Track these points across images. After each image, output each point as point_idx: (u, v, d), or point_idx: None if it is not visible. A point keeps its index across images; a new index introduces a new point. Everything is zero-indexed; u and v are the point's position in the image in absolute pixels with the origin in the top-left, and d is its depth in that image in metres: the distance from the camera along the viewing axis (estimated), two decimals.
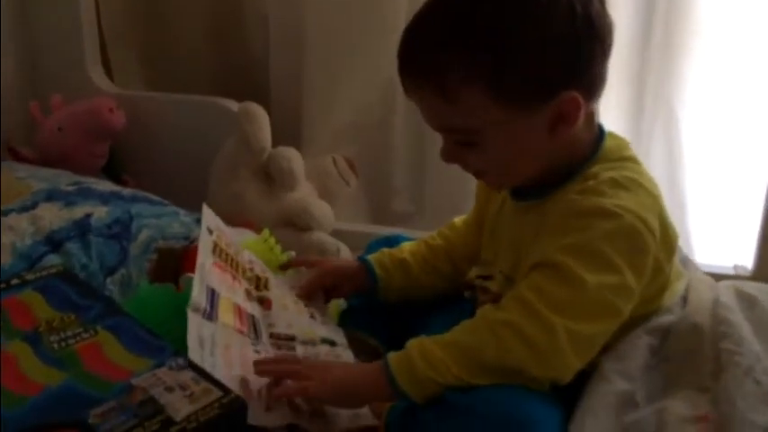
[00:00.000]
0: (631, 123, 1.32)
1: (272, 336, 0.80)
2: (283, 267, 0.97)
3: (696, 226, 1.32)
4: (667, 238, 0.73)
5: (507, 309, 0.67)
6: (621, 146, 0.77)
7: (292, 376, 0.69)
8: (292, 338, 0.81)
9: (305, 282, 0.93)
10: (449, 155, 0.74)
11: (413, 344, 0.68)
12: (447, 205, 1.49)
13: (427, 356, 0.66)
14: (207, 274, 0.76)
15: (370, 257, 0.93)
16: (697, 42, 1.26)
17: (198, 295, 0.72)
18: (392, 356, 0.68)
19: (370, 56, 1.39)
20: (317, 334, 0.84)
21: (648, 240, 0.68)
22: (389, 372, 0.66)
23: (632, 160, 0.75)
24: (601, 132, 0.76)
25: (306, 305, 0.89)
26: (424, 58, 0.70)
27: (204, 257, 0.77)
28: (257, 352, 0.74)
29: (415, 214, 1.56)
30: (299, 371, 0.69)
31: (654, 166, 1.33)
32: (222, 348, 0.69)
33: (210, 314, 0.72)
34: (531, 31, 0.67)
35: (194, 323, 0.69)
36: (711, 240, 1.31)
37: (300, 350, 0.80)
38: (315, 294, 0.93)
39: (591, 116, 0.74)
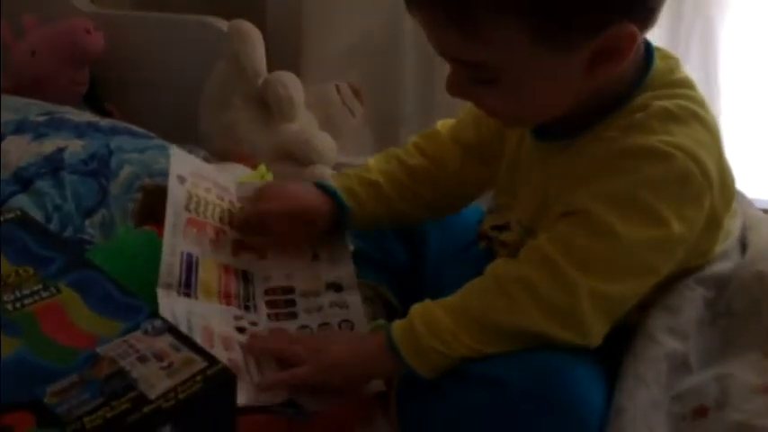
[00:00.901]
0: (666, 34, 1.22)
1: (267, 292, 0.72)
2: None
3: (738, 156, 1.22)
4: (726, 185, 0.64)
5: (523, 262, 0.60)
6: (672, 66, 0.65)
7: (284, 358, 0.63)
8: (291, 290, 0.73)
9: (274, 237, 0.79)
10: (458, 89, 0.63)
11: (416, 310, 0.62)
12: None
13: (431, 325, 0.60)
14: (179, 237, 0.67)
15: (336, 184, 0.79)
16: None
17: (168, 268, 0.64)
18: (396, 326, 0.62)
19: None
20: (321, 279, 0.75)
21: (704, 186, 0.59)
22: (393, 344, 0.60)
23: (687, 84, 0.64)
24: (648, 52, 0.64)
25: None
26: None
27: (174, 217, 0.68)
28: (241, 329, 0.67)
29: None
30: (292, 352, 0.63)
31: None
32: (200, 330, 0.61)
33: (188, 286, 0.65)
34: None
35: (166, 303, 0.61)
36: (755, 170, 1.21)
37: (301, 304, 0.72)
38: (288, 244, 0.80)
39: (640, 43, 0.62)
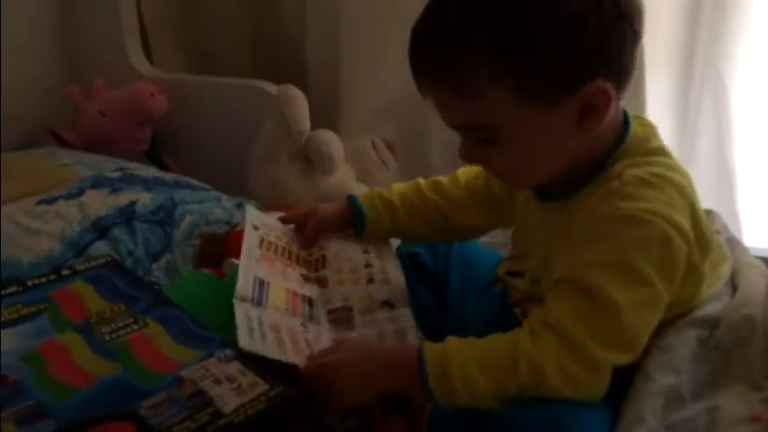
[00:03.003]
0: (680, 95, 1.28)
1: (329, 312, 0.81)
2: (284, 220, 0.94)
3: (746, 205, 1.27)
4: (702, 236, 0.69)
5: (546, 341, 0.63)
6: (648, 135, 0.71)
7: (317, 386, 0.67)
8: (350, 309, 0.81)
9: (303, 237, 0.91)
10: (468, 153, 0.70)
11: (452, 352, 0.65)
12: None
13: (465, 374, 0.64)
14: (252, 266, 0.77)
15: (360, 196, 0.91)
16: (750, 9, 1.21)
17: (243, 286, 0.73)
18: (429, 354, 0.65)
19: (407, 37, 1.36)
20: (375, 298, 0.84)
21: (680, 245, 0.65)
22: (423, 364, 0.65)
23: (660, 152, 0.70)
24: (626, 121, 0.71)
25: (365, 266, 0.87)
26: (440, 56, 0.65)
27: (249, 252, 0.78)
28: (306, 330, 0.75)
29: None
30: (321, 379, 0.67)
31: (702, 142, 1.30)
32: (270, 329, 0.70)
33: (260, 300, 0.73)
34: (553, 21, 0.62)
35: (241, 310, 0.70)
36: (762, 221, 1.26)
37: (359, 319, 0.80)
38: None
39: (618, 104, 0.69)
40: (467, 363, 0.64)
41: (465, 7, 0.64)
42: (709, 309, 0.73)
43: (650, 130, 0.72)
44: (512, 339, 0.65)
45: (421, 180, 0.92)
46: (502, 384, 0.63)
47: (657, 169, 0.67)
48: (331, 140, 1.31)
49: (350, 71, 1.43)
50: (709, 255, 0.72)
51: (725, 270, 0.76)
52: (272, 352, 0.66)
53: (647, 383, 0.67)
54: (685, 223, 0.65)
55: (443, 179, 0.92)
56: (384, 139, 1.41)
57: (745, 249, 0.85)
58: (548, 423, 0.62)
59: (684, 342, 0.70)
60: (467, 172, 0.91)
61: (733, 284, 0.77)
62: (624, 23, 0.65)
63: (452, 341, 0.66)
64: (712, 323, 0.72)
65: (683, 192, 0.67)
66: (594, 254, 0.64)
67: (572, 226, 0.68)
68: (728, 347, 0.70)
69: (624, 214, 0.64)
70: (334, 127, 1.38)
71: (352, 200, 0.91)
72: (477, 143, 0.69)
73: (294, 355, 0.68)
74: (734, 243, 0.85)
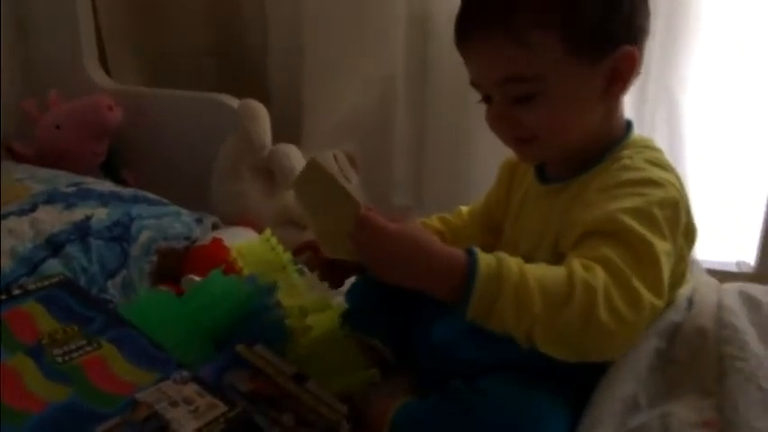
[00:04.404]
0: (633, 113, 1.29)
1: None
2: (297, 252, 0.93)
3: (698, 221, 1.31)
4: (690, 231, 0.74)
5: (598, 272, 0.62)
6: (646, 139, 0.78)
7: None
8: None
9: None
10: (498, 115, 0.74)
11: (508, 261, 0.63)
12: (445, 199, 1.50)
13: (520, 287, 0.61)
14: None
15: None
16: (699, 31, 1.25)
17: None
18: (483, 261, 0.62)
19: (370, 52, 1.39)
20: None
21: (683, 216, 0.70)
22: (473, 276, 0.62)
23: (659, 151, 0.76)
24: (629, 126, 0.78)
25: None
26: (494, 3, 0.70)
27: None
28: None
29: (413, 208, 1.56)
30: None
31: None
32: None
33: None
34: None
35: None
36: (713, 236, 1.29)
37: None
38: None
39: (620, 104, 0.76)
40: (525, 280, 0.62)
41: None
42: (669, 319, 0.74)
43: (648, 139, 0.78)
44: (566, 267, 0.63)
45: (425, 218, 0.97)
46: (554, 308, 0.61)
47: (662, 158, 0.74)
48: (293, 154, 1.31)
49: (312, 86, 1.44)
50: (690, 254, 0.76)
51: (686, 290, 0.78)
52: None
53: (608, 388, 0.69)
54: (687, 204, 0.71)
55: (448, 214, 0.96)
56: (346, 153, 1.41)
57: (701, 268, 0.88)
58: (511, 422, 0.64)
59: (645, 353, 0.72)
60: (469, 207, 0.97)
61: (690, 302, 0.79)
62: (647, 7, 0.73)
63: (506, 256, 0.64)
64: (670, 336, 0.74)
65: (681, 184, 0.72)
66: (625, 204, 0.66)
67: (589, 190, 0.71)
68: (683, 359, 0.72)
69: (646, 177, 0.69)
70: (296, 141, 1.38)
71: None
72: (510, 103, 0.72)
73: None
74: (692, 262, 0.88)
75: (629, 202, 0.66)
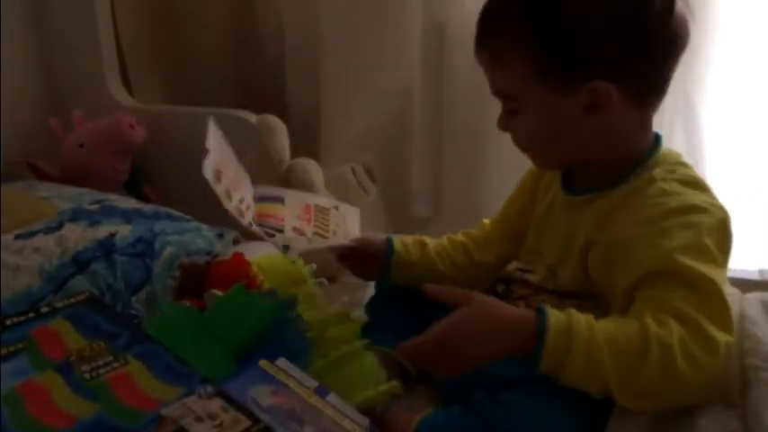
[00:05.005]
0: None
1: None
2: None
3: None
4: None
5: (671, 325, 0.64)
6: (675, 154, 0.79)
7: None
8: None
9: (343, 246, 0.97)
10: (501, 122, 0.79)
11: (578, 324, 0.64)
12: (463, 210, 1.51)
13: (591, 352, 0.63)
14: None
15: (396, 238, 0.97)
16: (718, 40, 1.25)
17: None
18: (552, 317, 0.64)
19: (387, 66, 1.40)
20: None
21: (731, 233, 0.71)
22: (543, 330, 0.64)
23: (690, 168, 0.77)
24: (657, 139, 0.78)
25: None
26: (488, 20, 0.75)
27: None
28: None
29: (432, 219, 1.57)
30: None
31: None
32: None
33: None
34: (582, 11, 0.69)
35: None
36: (735, 244, 1.28)
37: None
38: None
39: (645, 120, 0.76)
40: (595, 339, 0.63)
41: None
42: None
43: (677, 153, 0.79)
44: (640, 323, 0.64)
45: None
46: (627, 371, 0.62)
47: (695, 175, 0.75)
48: (311, 167, 1.33)
49: (330, 100, 1.46)
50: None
51: None
52: None
53: None
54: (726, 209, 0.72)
55: (472, 229, 1.00)
56: (363, 166, 1.43)
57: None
58: (524, 415, 0.66)
59: None
60: (491, 218, 1.00)
61: None
62: (656, 39, 0.70)
63: (575, 312, 0.65)
64: None
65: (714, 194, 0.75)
66: (677, 241, 0.67)
67: (629, 226, 0.71)
68: None
69: (690, 203, 0.69)
70: (314, 155, 1.40)
71: (388, 237, 0.97)
72: (507, 113, 0.78)
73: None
74: None
75: (682, 239, 0.67)
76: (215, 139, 0.86)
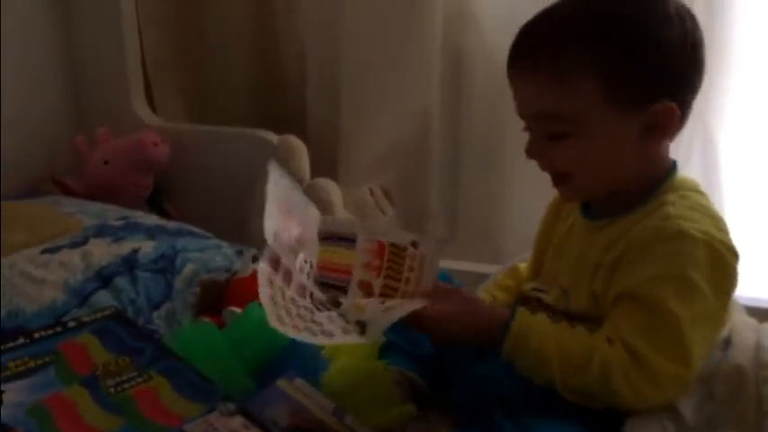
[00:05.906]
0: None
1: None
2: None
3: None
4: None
5: (617, 350, 0.68)
6: (693, 182, 0.79)
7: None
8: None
9: None
10: (536, 149, 0.76)
11: (536, 330, 0.72)
12: (481, 231, 1.51)
13: (541, 352, 0.70)
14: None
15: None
16: (736, 68, 1.25)
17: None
18: (519, 320, 0.73)
19: (406, 89, 1.42)
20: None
21: (731, 261, 0.71)
22: (509, 330, 0.72)
23: (704, 196, 0.78)
24: (673, 165, 0.79)
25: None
26: (547, 38, 0.73)
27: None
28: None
29: (449, 240, 1.57)
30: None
31: None
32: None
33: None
34: (654, 32, 0.71)
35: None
36: (753, 272, 1.28)
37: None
38: None
39: (667, 146, 0.77)
40: (545, 343, 0.71)
41: (577, 7, 0.73)
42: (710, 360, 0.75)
43: (693, 180, 0.80)
44: (592, 339, 0.71)
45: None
46: (570, 376, 0.69)
47: (706, 203, 0.76)
48: (330, 188, 1.34)
49: (349, 121, 1.48)
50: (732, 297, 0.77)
51: (726, 328, 0.78)
52: None
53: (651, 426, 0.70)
54: (733, 244, 0.72)
55: (509, 279, 1.00)
56: (381, 187, 1.44)
57: (740, 308, 0.87)
58: None
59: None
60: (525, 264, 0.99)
61: (727, 343, 0.79)
62: (698, 62, 0.74)
63: (542, 318, 0.74)
64: (709, 373, 0.74)
65: (726, 227, 0.74)
66: (652, 269, 0.69)
67: (626, 247, 0.73)
68: (722, 398, 0.73)
69: (675, 230, 0.70)
70: (333, 175, 1.41)
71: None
72: (545, 139, 0.75)
73: None
74: (732, 303, 0.87)
75: (663, 267, 0.69)
76: (276, 187, 0.81)
